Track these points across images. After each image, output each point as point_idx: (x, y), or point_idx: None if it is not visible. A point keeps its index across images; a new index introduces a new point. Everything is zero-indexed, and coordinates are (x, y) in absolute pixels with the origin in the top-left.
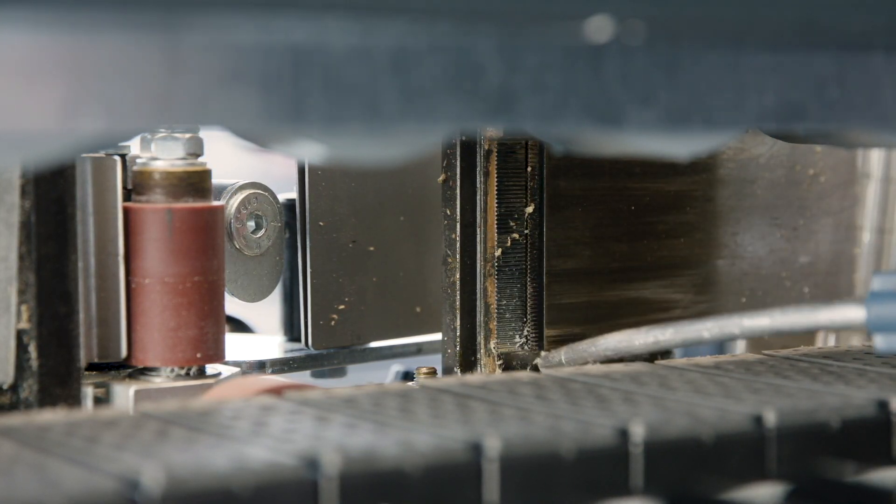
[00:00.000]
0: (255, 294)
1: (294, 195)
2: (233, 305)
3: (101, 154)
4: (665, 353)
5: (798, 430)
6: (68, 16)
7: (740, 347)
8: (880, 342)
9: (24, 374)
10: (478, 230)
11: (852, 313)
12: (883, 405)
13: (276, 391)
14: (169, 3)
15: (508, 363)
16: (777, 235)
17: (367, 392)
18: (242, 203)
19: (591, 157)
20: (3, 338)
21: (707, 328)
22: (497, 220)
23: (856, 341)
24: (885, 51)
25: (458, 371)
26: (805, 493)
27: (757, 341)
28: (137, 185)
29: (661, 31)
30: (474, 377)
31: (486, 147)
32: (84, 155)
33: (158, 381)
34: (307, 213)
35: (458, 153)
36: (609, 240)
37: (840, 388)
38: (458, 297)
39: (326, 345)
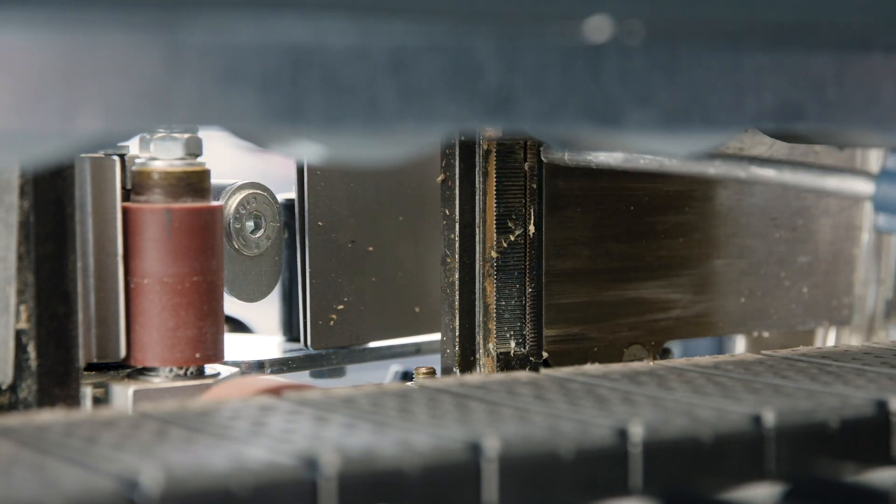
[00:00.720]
0: (254, 294)
1: (293, 195)
2: (232, 305)
3: (100, 154)
4: (664, 354)
5: (797, 430)
6: (67, 16)
7: (739, 348)
8: (882, 221)
9: (23, 374)
10: (476, 230)
11: (861, 185)
12: (881, 405)
13: (275, 391)
14: (167, 2)
15: (507, 363)
16: (776, 235)
17: (366, 392)
18: (241, 203)
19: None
20: (2, 338)
21: (714, 165)
22: (496, 220)
23: (854, 341)
24: (883, 50)
25: (457, 371)
26: (804, 494)
27: (756, 342)
28: (136, 185)
29: (660, 31)
30: (473, 377)
31: (485, 147)
32: (83, 155)
33: (157, 382)
34: (306, 214)
35: (457, 153)
36: (608, 240)
37: (839, 388)
38: (457, 297)
39: (325, 345)
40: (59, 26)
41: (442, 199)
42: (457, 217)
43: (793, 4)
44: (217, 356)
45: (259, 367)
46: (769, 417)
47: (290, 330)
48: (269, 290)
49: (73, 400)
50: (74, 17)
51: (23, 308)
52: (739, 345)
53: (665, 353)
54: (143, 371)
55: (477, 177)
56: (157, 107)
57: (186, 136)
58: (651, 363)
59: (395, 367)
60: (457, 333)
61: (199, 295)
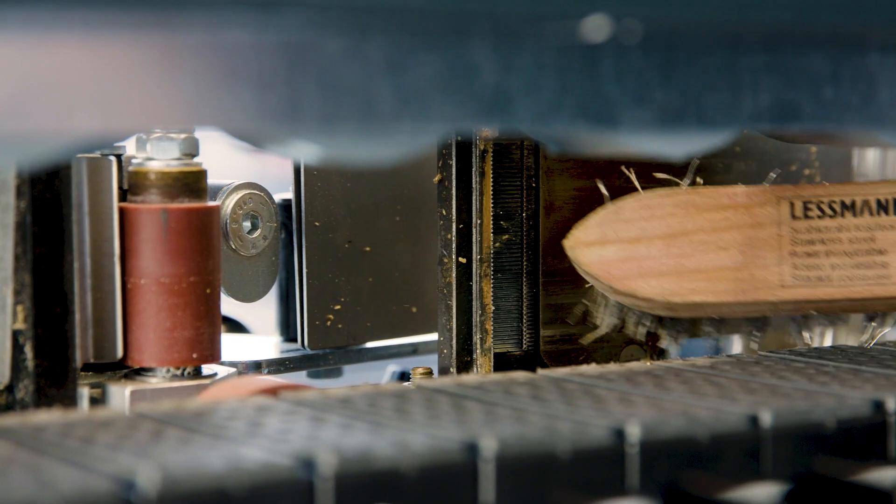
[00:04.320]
0: (251, 294)
1: (290, 195)
2: (229, 306)
3: (97, 154)
4: (661, 354)
5: (793, 431)
6: (64, 15)
7: (736, 348)
8: None
9: (20, 374)
10: (473, 230)
11: None
12: (878, 405)
13: (272, 391)
14: (164, 1)
15: (504, 363)
16: None
17: (363, 392)
18: (238, 203)
19: (587, 157)
20: None
21: None
22: (492, 220)
23: (852, 341)
24: (880, 50)
25: (454, 371)
26: (800, 494)
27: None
28: (133, 185)
29: (657, 31)
30: (470, 377)
31: (482, 147)
32: (80, 155)
33: (154, 382)
34: (303, 214)
35: (454, 153)
36: None
37: (835, 388)
38: (454, 297)
39: (322, 345)
40: (54, 26)
41: (438, 199)
42: (453, 217)
43: (789, 5)
44: (214, 356)
45: (256, 367)
46: (766, 418)
47: (287, 330)
48: (266, 291)
49: (70, 400)
50: (70, 16)
51: (19, 308)
52: (736, 345)
53: (662, 354)
54: (140, 371)
55: (473, 177)
56: (153, 107)
57: (183, 136)
58: (648, 363)
59: (392, 367)
60: (454, 333)
61: (196, 295)
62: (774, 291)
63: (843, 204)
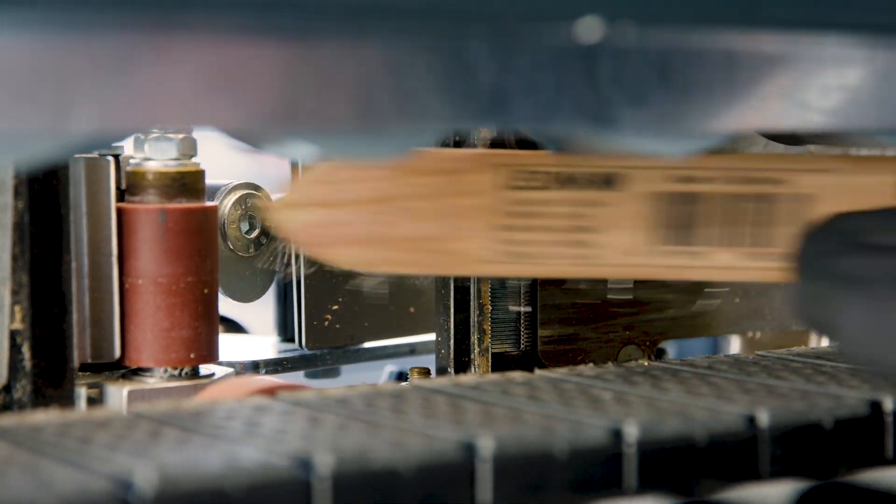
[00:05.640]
0: (249, 294)
1: None
2: (226, 306)
3: (95, 155)
4: (659, 354)
5: (791, 431)
6: (61, 16)
7: (734, 348)
8: None
9: (18, 374)
10: None
11: None
12: (875, 405)
13: (270, 391)
14: (160, 2)
15: (502, 363)
16: None
17: (360, 392)
18: (236, 203)
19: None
20: None
21: None
22: None
23: None
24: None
25: (452, 371)
26: (797, 493)
27: (750, 342)
28: (131, 185)
29: (654, 31)
30: (467, 378)
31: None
32: (77, 156)
33: (152, 382)
34: None
35: None
36: None
37: (833, 388)
38: (452, 297)
39: (320, 345)
40: (52, 26)
41: None
42: None
43: (787, 3)
44: (212, 356)
45: (254, 367)
46: (763, 418)
47: (285, 330)
48: (264, 291)
49: (68, 400)
50: (68, 17)
51: (17, 308)
52: (734, 345)
53: (660, 354)
54: (138, 371)
55: None
56: (151, 107)
57: (181, 136)
58: (645, 363)
59: (390, 367)
60: (451, 334)
61: (194, 295)
62: (474, 266)
63: (557, 175)
